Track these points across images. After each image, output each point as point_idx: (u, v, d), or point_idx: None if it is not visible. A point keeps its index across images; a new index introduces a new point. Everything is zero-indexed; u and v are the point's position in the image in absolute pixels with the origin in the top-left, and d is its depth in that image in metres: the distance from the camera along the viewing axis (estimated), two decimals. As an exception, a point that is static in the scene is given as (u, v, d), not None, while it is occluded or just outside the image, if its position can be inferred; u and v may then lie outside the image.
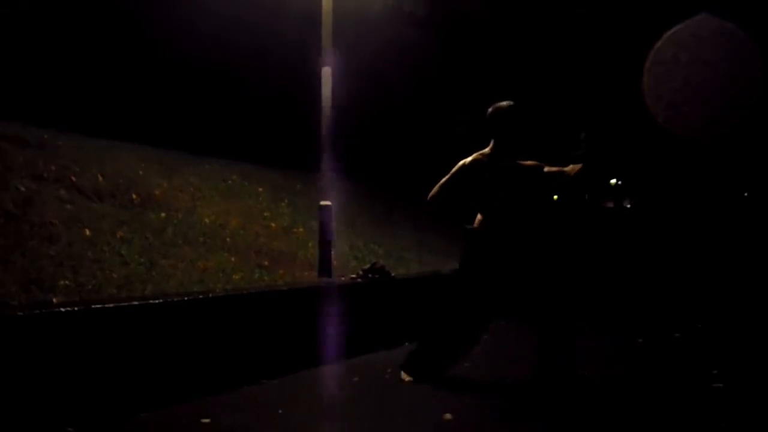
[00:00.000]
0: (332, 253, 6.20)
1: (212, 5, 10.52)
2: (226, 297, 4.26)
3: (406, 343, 5.11)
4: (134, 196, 6.67)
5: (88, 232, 5.26)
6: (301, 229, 7.73)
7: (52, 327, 3.26)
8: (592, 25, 16.17)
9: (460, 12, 13.69)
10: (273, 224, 7.63)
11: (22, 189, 5.56)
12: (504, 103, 4.15)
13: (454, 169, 4.19)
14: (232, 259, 5.95)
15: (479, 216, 4.18)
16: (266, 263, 6.15)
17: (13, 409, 3.06)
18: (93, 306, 3.47)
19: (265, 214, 7.96)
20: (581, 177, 4.11)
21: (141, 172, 7.44)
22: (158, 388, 3.65)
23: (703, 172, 22.18)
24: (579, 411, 3.68)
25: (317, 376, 4.47)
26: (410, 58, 12.45)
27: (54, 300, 3.73)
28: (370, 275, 5.53)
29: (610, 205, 24.89)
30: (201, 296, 4.10)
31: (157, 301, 3.82)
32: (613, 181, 24.97)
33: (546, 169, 4.17)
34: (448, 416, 3.49)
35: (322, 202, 6.18)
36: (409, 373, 4.25)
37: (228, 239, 6.47)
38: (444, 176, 4.26)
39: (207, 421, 3.40)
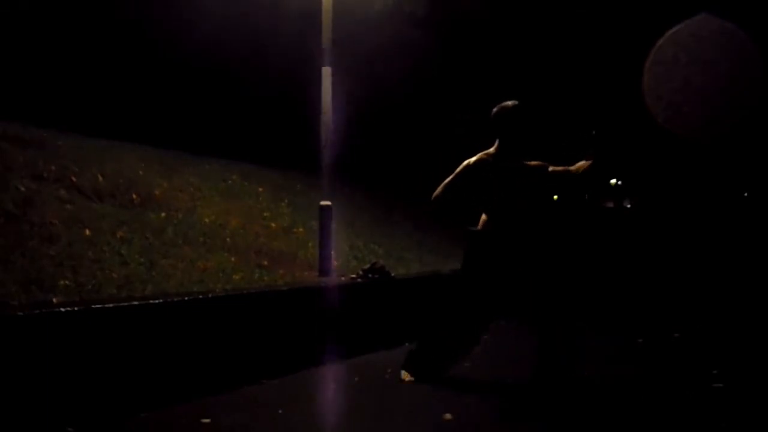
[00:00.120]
0: (332, 253, 6.20)
1: (212, 5, 10.52)
2: (226, 297, 4.26)
3: (406, 343, 5.11)
4: (134, 196, 6.67)
5: (88, 232, 5.26)
6: (301, 229, 7.73)
7: (52, 327, 3.26)
8: (592, 25, 16.17)
9: (460, 12, 13.69)
10: (273, 224, 7.62)
11: (22, 189, 5.55)
12: (509, 103, 4.14)
13: (458, 169, 4.17)
14: (232, 259, 5.95)
15: (483, 216, 4.17)
16: (266, 263, 6.15)
17: (13, 409, 3.06)
18: (93, 306, 3.47)
19: (265, 214, 7.96)
20: (590, 174, 4.11)
21: (141, 172, 7.44)
22: (158, 388, 3.65)
23: (703, 172, 22.18)
24: (579, 411, 3.68)
25: (317, 376, 4.47)
26: (410, 58, 12.45)
27: (54, 300, 3.72)
28: (370, 275, 5.53)
29: (610, 205, 24.89)
30: (201, 296, 4.10)
31: (157, 301, 3.82)
32: (613, 181, 24.97)
33: (551, 168, 4.17)
34: (448, 416, 3.50)
35: (322, 202, 6.18)
36: (409, 373, 4.25)
37: (228, 239, 6.47)
38: (445, 176, 4.25)
39: (207, 421, 3.40)
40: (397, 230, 9.79)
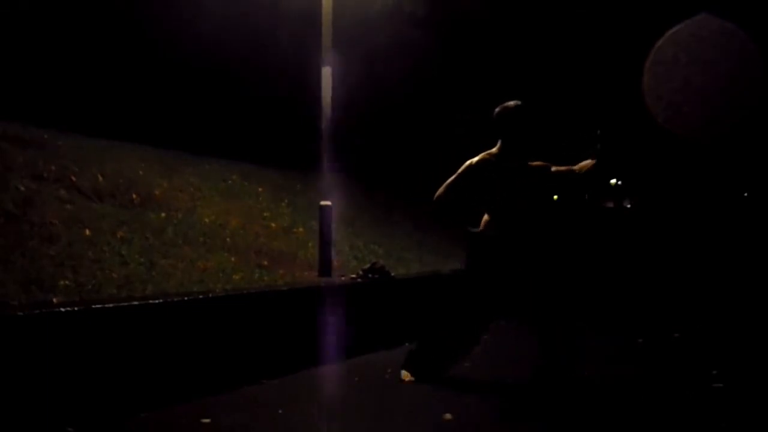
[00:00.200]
0: (332, 253, 6.20)
1: (212, 5, 10.52)
2: (226, 297, 4.26)
3: (406, 343, 5.11)
4: (134, 196, 6.67)
5: (88, 232, 5.26)
6: (301, 229, 7.73)
7: (52, 327, 3.26)
8: (592, 25, 16.17)
9: (460, 12, 13.69)
10: (273, 224, 7.62)
11: (22, 189, 5.55)
12: (511, 103, 4.13)
13: (461, 169, 4.16)
14: (232, 259, 5.95)
15: (486, 216, 4.16)
16: (266, 263, 6.15)
17: (13, 409, 3.06)
18: (93, 306, 3.47)
19: (265, 214, 7.96)
20: (594, 174, 4.11)
21: (141, 172, 7.44)
22: (158, 388, 3.65)
23: (703, 172, 22.17)
24: (579, 411, 3.68)
25: (317, 376, 4.47)
26: (410, 58, 12.45)
27: (54, 300, 3.72)
28: (370, 275, 5.53)
29: (610, 205, 24.88)
30: (201, 296, 4.10)
31: (157, 301, 3.82)
32: (613, 181, 24.96)
33: (553, 168, 4.17)
34: (448, 416, 3.50)
35: (322, 202, 6.18)
36: (409, 373, 4.25)
37: (228, 239, 6.47)
38: (446, 176, 4.25)
39: (207, 421, 3.40)
40: (397, 230, 9.79)
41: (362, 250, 7.77)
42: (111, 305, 3.55)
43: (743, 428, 3.46)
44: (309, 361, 4.60)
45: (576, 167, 4.18)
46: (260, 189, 8.89)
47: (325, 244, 6.09)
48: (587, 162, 4.15)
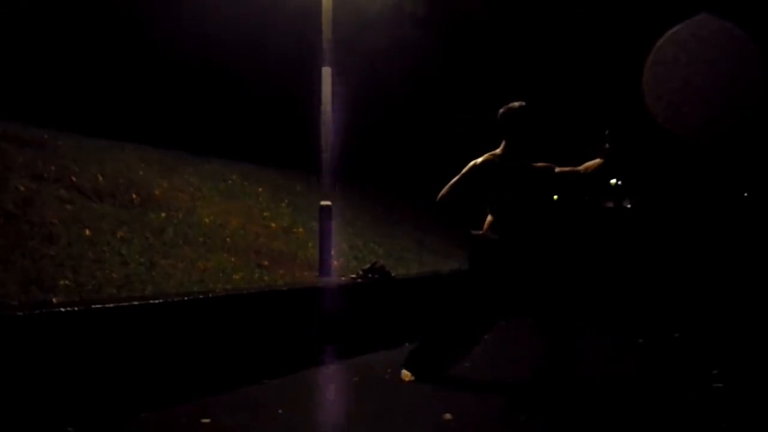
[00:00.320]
0: (332, 253, 6.20)
1: (212, 5, 10.52)
2: (226, 297, 4.26)
3: (406, 343, 5.11)
4: (134, 196, 6.67)
5: (88, 232, 5.26)
6: (301, 229, 7.73)
7: (52, 327, 3.26)
8: (593, 25, 16.17)
9: (460, 12, 13.69)
10: (273, 224, 7.63)
11: (22, 189, 5.56)
12: (516, 104, 4.11)
13: (464, 170, 4.14)
14: (232, 259, 5.95)
15: (489, 217, 4.16)
16: (266, 263, 6.15)
17: (13, 409, 3.06)
18: (93, 306, 3.47)
19: (265, 214, 7.96)
20: (600, 174, 4.11)
21: (141, 172, 7.44)
22: (158, 388, 3.65)
23: (703, 172, 22.17)
24: (579, 411, 3.68)
25: (317, 376, 4.47)
26: (410, 58, 12.45)
27: (54, 300, 3.72)
28: (370, 275, 5.53)
29: (610, 205, 24.87)
30: (201, 296, 4.10)
31: (157, 301, 3.82)
32: (613, 181, 24.95)
33: (557, 169, 4.16)
34: (448, 416, 3.50)
35: (322, 202, 6.18)
36: (410, 372, 4.25)
37: (228, 239, 6.47)
38: (446, 175, 4.24)
39: (207, 421, 3.40)
40: (397, 230, 9.80)
41: (362, 250, 7.77)
42: (111, 305, 3.55)
43: (743, 428, 3.46)
44: (309, 361, 4.60)
45: (581, 168, 4.16)
46: (260, 189, 8.89)
47: (325, 244, 6.09)
48: (593, 162, 4.14)
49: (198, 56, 10.47)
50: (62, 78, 9.31)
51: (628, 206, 25.75)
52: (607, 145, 4.09)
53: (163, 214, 6.51)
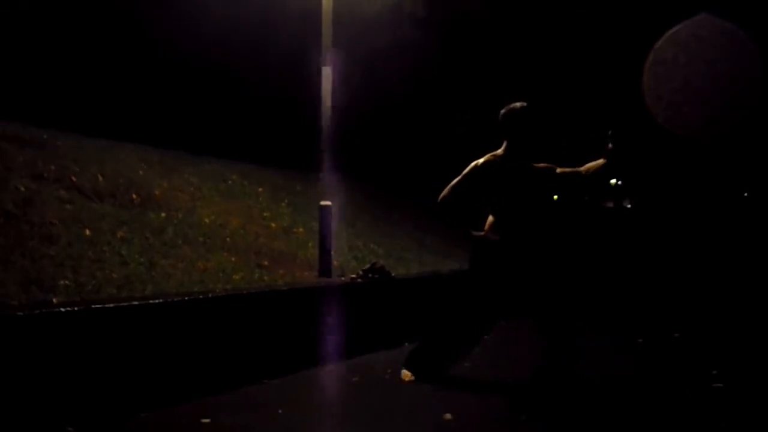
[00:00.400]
0: (332, 253, 6.20)
1: (212, 5, 10.52)
2: (226, 297, 4.26)
3: (406, 343, 5.11)
4: (134, 196, 6.67)
5: (88, 232, 5.26)
6: (301, 229, 7.73)
7: (52, 327, 3.26)
8: (593, 25, 16.17)
9: (460, 12, 13.69)
10: (273, 224, 7.63)
11: (22, 189, 5.56)
12: (517, 104, 4.11)
13: (466, 171, 4.13)
14: (232, 259, 5.95)
15: (490, 217, 4.15)
16: (266, 263, 6.15)
17: (14, 409, 3.06)
18: (93, 306, 3.47)
19: (265, 214, 7.96)
20: (602, 175, 4.11)
21: (141, 172, 7.44)
22: (158, 388, 3.65)
23: (703, 172, 22.17)
24: (579, 411, 3.68)
25: (317, 376, 4.47)
26: (410, 58, 12.45)
27: (54, 300, 3.72)
28: (370, 275, 5.53)
29: (610, 205, 24.86)
30: (201, 296, 4.10)
31: (157, 301, 3.82)
32: (613, 181, 24.94)
33: (558, 170, 4.16)
34: (448, 416, 3.50)
35: (322, 202, 6.18)
36: (410, 372, 4.25)
37: (228, 239, 6.47)
38: (446, 175, 4.24)
39: (207, 421, 3.40)
40: (397, 230, 9.80)
41: (362, 250, 7.77)
42: (111, 305, 3.55)
43: (743, 428, 3.46)
44: (309, 361, 4.60)
45: (582, 169, 4.16)
46: (260, 189, 8.89)
47: (325, 244, 6.09)
48: (595, 163, 4.13)
49: (198, 56, 10.46)
50: (62, 78, 9.30)
51: (628, 206, 25.75)
52: (609, 146, 4.09)
53: (163, 214, 6.51)
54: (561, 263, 4.27)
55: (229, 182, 8.68)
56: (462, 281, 4.25)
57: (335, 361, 4.73)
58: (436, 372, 4.23)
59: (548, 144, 4.44)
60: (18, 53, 8.95)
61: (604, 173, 4.13)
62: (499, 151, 4.14)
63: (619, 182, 24.78)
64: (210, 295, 4.17)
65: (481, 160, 4.12)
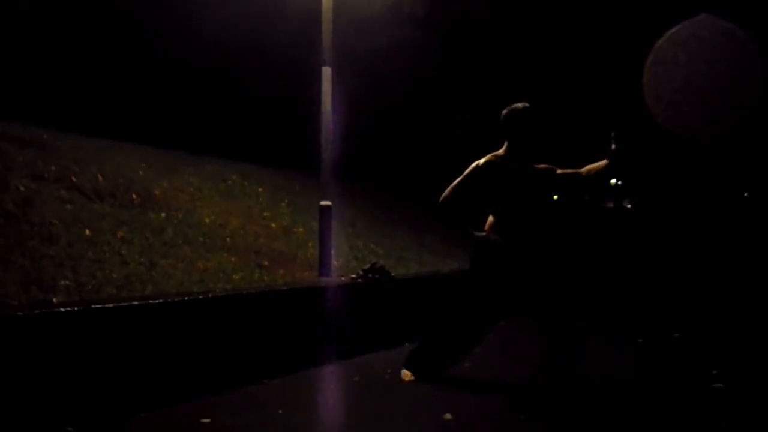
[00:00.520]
0: (332, 253, 6.20)
1: (212, 5, 10.52)
2: (226, 297, 4.26)
3: (406, 343, 5.11)
4: (134, 196, 6.67)
5: (88, 232, 5.26)
6: (301, 229, 7.73)
7: (52, 327, 3.26)
8: (592, 25, 16.17)
9: (460, 12, 13.68)
10: (273, 224, 7.63)
11: (22, 189, 5.56)
12: (519, 105, 4.11)
13: (467, 171, 4.13)
14: (232, 259, 5.95)
15: (490, 218, 4.15)
16: (266, 263, 6.15)
17: (14, 409, 3.06)
18: (93, 306, 3.47)
19: (265, 214, 7.96)
20: (603, 176, 4.11)
21: (141, 172, 7.44)
22: (158, 388, 3.65)
23: (703, 172, 22.17)
24: (579, 411, 3.68)
25: (317, 376, 4.47)
26: (410, 58, 12.45)
27: (54, 300, 3.72)
28: (370, 275, 5.53)
29: (610, 205, 24.87)
30: (201, 296, 4.10)
31: (157, 301, 3.82)
32: (613, 181, 24.95)
33: (559, 171, 4.16)
34: (448, 416, 3.50)
35: (322, 202, 6.17)
36: (410, 372, 4.25)
37: (228, 239, 6.47)
38: (446, 175, 4.24)
39: (207, 421, 3.40)
40: (397, 230, 9.79)
41: (362, 250, 7.77)
42: (111, 305, 3.55)
43: (743, 428, 3.46)
44: (309, 361, 4.60)
45: (583, 170, 4.16)
46: (260, 189, 8.89)
47: (325, 244, 6.08)
48: (596, 165, 4.13)
49: (198, 56, 10.47)
50: (62, 78, 9.31)
51: (628, 206, 25.76)
52: (612, 147, 4.08)
53: (163, 214, 6.51)
54: (561, 263, 4.27)
55: (229, 182, 8.68)
56: (462, 281, 4.25)
57: (335, 361, 4.73)
58: (436, 372, 4.23)
59: (549, 144, 4.44)
60: (18, 53, 8.95)
61: (605, 174, 4.13)
62: (500, 152, 4.13)
63: (619, 182, 24.78)
64: (210, 295, 4.17)
65: (482, 161, 4.12)
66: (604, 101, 17.16)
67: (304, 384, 4.25)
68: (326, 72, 6.18)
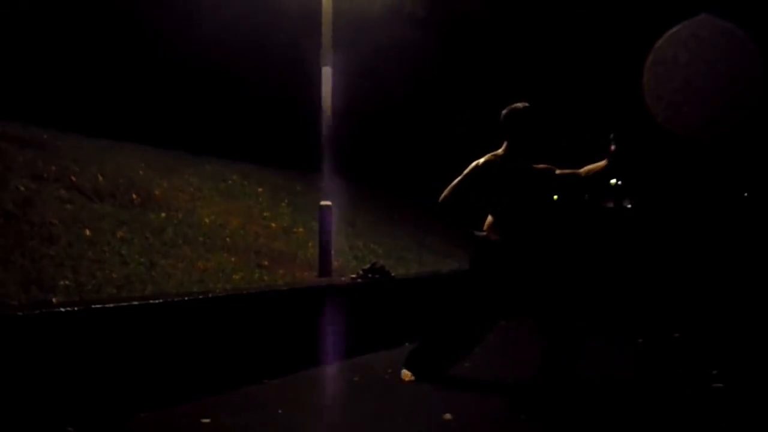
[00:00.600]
0: (332, 253, 6.20)
1: (212, 5, 10.52)
2: (226, 297, 4.26)
3: (406, 343, 5.11)
4: (134, 196, 6.67)
5: (88, 232, 5.26)
6: (301, 229, 7.73)
7: (52, 327, 3.26)
8: (592, 25, 16.17)
9: (460, 12, 13.69)
10: (273, 224, 7.63)
11: (22, 189, 5.56)
12: (519, 105, 4.11)
13: (466, 171, 4.12)
14: (232, 259, 5.95)
15: (489, 217, 4.15)
16: (266, 263, 6.15)
17: (14, 409, 3.06)
18: (93, 306, 3.47)
19: (265, 214, 7.96)
20: (603, 176, 4.11)
21: (141, 172, 7.44)
22: (158, 388, 3.65)
23: (703, 172, 22.18)
24: (579, 411, 3.68)
25: (317, 376, 4.47)
26: (410, 58, 12.45)
27: (54, 300, 3.72)
28: (370, 275, 5.53)
29: (610, 205, 24.88)
30: (201, 296, 4.10)
31: (157, 301, 3.82)
32: (613, 181, 24.96)
33: (558, 172, 4.17)
34: (448, 416, 3.50)
35: (322, 202, 6.18)
36: (410, 372, 4.26)
37: (228, 239, 6.47)
38: (446, 175, 4.23)
39: (207, 421, 3.40)
40: (397, 230, 9.80)
41: (362, 250, 7.77)
42: (111, 305, 3.55)
43: (743, 428, 3.46)
44: (309, 361, 4.60)
45: (582, 171, 4.17)
46: (260, 189, 8.89)
47: (325, 244, 6.09)
48: (595, 165, 4.14)
49: (198, 56, 10.46)
50: (62, 78, 9.31)
51: (628, 206, 25.77)
52: (612, 147, 4.09)
53: (163, 214, 6.51)
54: (561, 263, 4.27)
55: (229, 182, 8.68)
56: (462, 281, 4.25)
57: (335, 361, 4.73)
58: (436, 372, 4.23)
59: (549, 145, 4.44)
60: (18, 53, 8.95)
61: (605, 175, 4.13)
62: (500, 151, 4.13)
63: (619, 182, 24.79)
64: (210, 295, 4.17)
65: (481, 160, 4.12)
66: (604, 101, 17.16)
67: (304, 384, 4.25)
68: (326, 72, 6.19)
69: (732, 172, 22.72)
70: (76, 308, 3.37)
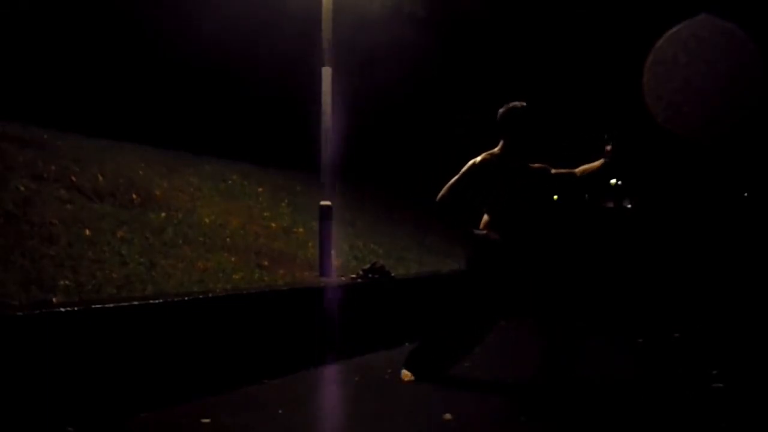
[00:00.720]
0: (332, 253, 6.20)
1: (212, 5, 10.52)
2: (226, 297, 4.26)
3: (406, 343, 5.11)
4: (134, 196, 6.67)
5: (88, 232, 5.26)
6: (301, 229, 7.72)
7: (52, 327, 3.26)
8: (592, 25, 16.17)
9: (460, 12, 13.69)
10: (273, 224, 7.62)
11: (22, 189, 5.55)
12: (517, 104, 4.11)
13: (464, 169, 4.13)
14: (232, 259, 5.95)
15: (485, 216, 4.16)
16: (266, 263, 6.15)
17: (14, 409, 3.06)
18: (93, 306, 3.47)
19: (265, 214, 7.96)
20: (600, 176, 4.12)
21: (141, 172, 7.44)
22: (158, 388, 3.65)
23: (703, 172, 22.18)
24: (579, 411, 3.68)
25: (317, 376, 4.48)
26: (410, 58, 12.45)
27: (54, 300, 3.72)
28: (370, 275, 5.53)
29: (610, 205, 24.89)
30: (201, 296, 4.10)
31: (157, 301, 3.82)
32: (613, 181, 24.96)
33: (553, 171, 4.17)
34: (448, 416, 3.50)
35: (322, 202, 6.17)
36: (410, 372, 4.26)
37: (228, 239, 6.47)
38: (446, 175, 4.23)
39: (207, 421, 3.40)
40: (397, 230, 9.79)
41: (362, 250, 7.77)
42: (111, 305, 3.55)
43: (743, 428, 3.46)
44: (309, 361, 4.60)
45: (577, 171, 4.18)
46: (260, 189, 8.89)
47: (325, 244, 6.08)
48: (591, 165, 4.15)
49: (198, 56, 10.46)
50: (63, 78, 9.31)
51: (628, 206, 25.78)
52: (609, 147, 4.09)
53: (163, 214, 6.51)
54: (561, 263, 4.27)
55: (229, 182, 8.68)
56: (462, 281, 4.25)
57: (335, 361, 4.73)
58: (436, 372, 4.23)
59: (546, 144, 4.45)
60: (18, 53, 8.95)
61: (602, 175, 4.13)
62: (496, 150, 4.14)
63: (619, 182, 24.79)
64: (210, 295, 4.17)
65: (478, 159, 4.12)
66: (604, 101, 17.16)
67: (304, 384, 4.25)
68: (326, 72, 6.18)
69: (732, 172, 22.72)
70: (76, 308, 3.37)
